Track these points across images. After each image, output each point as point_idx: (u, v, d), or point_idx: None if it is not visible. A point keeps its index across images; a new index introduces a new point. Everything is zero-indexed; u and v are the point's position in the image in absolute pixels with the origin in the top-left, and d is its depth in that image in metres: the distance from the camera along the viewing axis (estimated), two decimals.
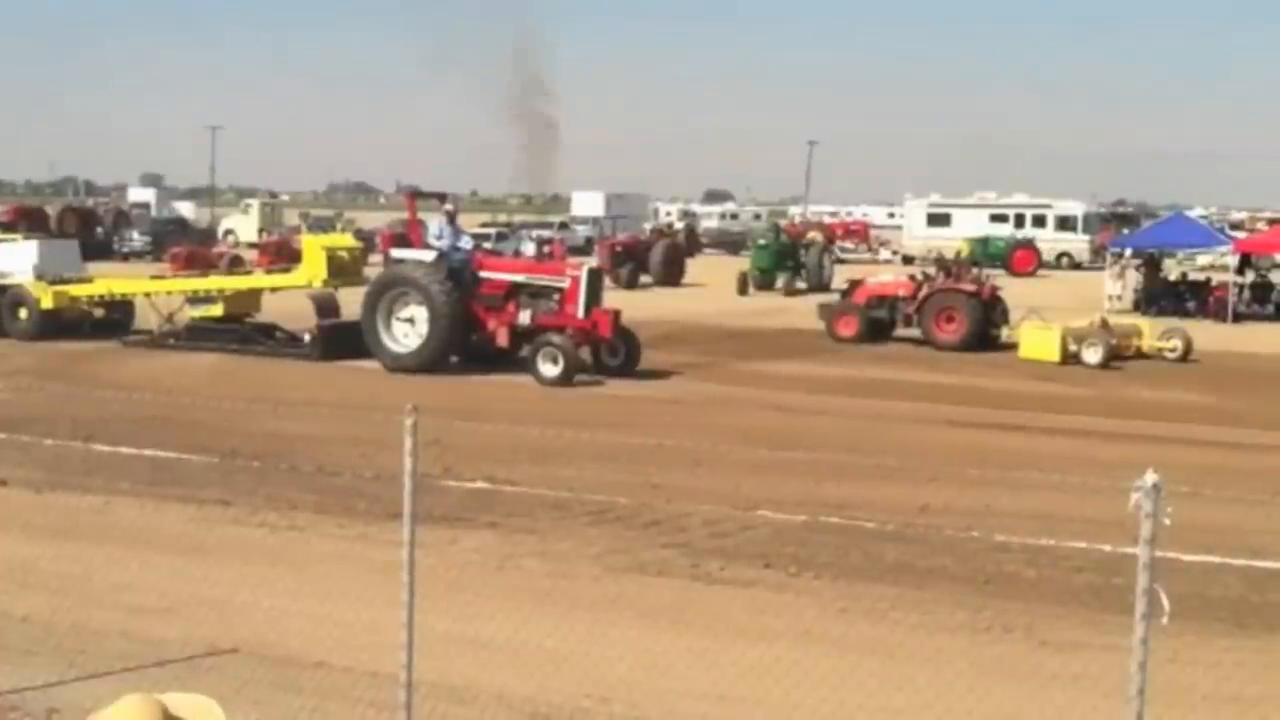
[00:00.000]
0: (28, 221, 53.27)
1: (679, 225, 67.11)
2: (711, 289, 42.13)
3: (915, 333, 27.84)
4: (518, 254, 38.66)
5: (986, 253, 52.18)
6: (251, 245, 57.79)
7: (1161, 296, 36.49)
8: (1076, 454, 15.66)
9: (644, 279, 43.97)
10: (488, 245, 41.22)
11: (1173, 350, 26.04)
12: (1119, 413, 19.46)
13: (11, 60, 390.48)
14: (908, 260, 54.82)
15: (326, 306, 25.10)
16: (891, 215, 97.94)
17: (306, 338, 24.10)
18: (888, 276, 31.44)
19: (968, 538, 11.55)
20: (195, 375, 21.98)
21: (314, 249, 25.41)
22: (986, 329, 27.36)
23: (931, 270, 29.69)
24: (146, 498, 12.67)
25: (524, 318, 22.37)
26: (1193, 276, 40.01)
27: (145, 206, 78.20)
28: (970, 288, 27.90)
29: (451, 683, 7.58)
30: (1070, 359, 24.79)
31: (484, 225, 63.06)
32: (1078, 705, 7.22)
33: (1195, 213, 67.85)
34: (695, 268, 48.67)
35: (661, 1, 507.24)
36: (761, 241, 45.51)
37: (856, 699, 7.42)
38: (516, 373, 21.73)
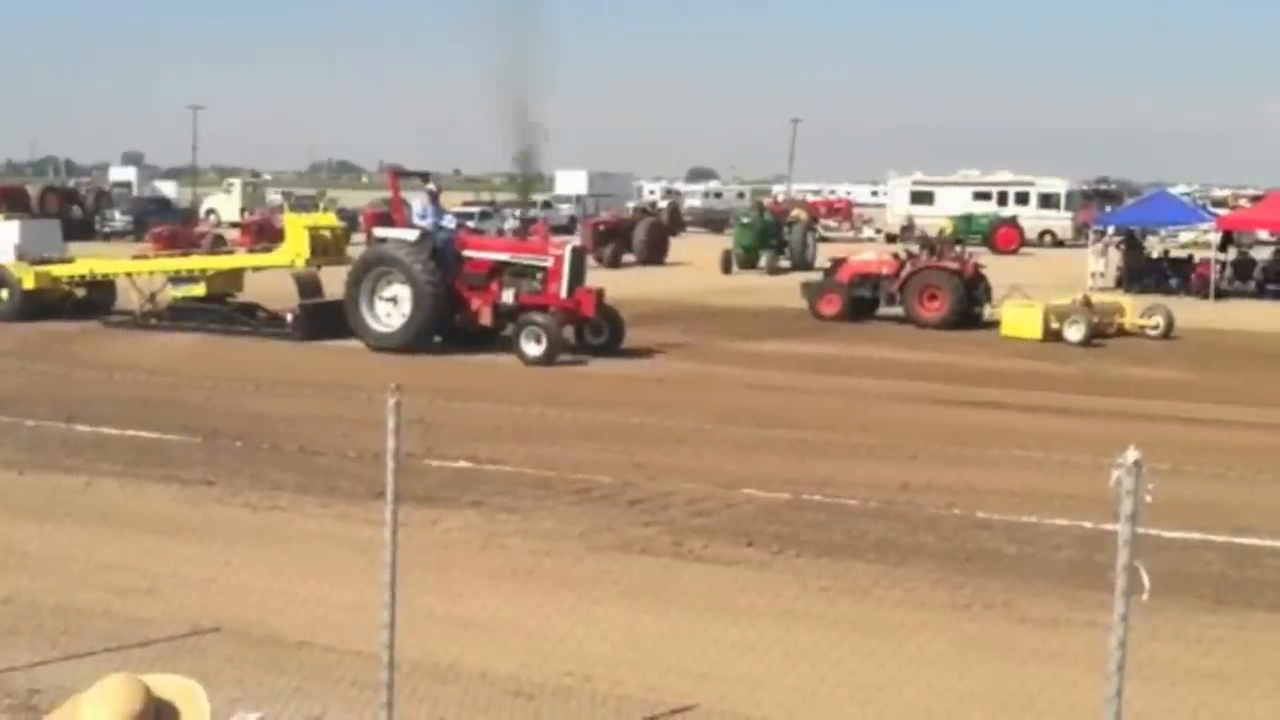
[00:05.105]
0: (8, 201, 52.84)
1: (662, 204, 66.99)
2: (695, 268, 42.09)
3: (898, 311, 27.88)
4: (500, 232, 38.63)
5: (970, 230, 52.32)
6: (234, 225, 57.58)
7: (1144, 274, 36.58)
8: (1058, 431, 15.72)
9: (627, 258, 43.93)
10: (471, 224, 41.19)
11: (1155, 327, 26.15)
12: (1101, 390, 19.53)
13: None
14: (891, 238, 54.88)
15: (309, 286, 25.03)
16: (875, 193, 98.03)
17: (289, 317, 24.03)
18: (871, 255, 31.46)
19: (949, 515, 11.59)
20: (177, 355, 21.91)
21: (296, 228, 25.37)
22: (969, 307, 27.41)
23: (914, 248, 29.74)
24: (129, 478, 12.64)
25: (507, 297, 22.34)
26: (1175, 254, 40.13)
27: (127, 186, 77.89)
28: (953, 266, 27.95)
29: (434, 661, 7.59)
30: (1052, 337, 24.87)
31: (467, 204, 62.91)
32: (1058, 681, 7.25)
33: (1178, 190, 68.08)
34: (679, 246, 48.62)
35: None
36: (745, 220, 45.45)
37: (838, 675, 7.46)
38: (500, 352, 21.72)
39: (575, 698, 7.38)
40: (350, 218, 46.96)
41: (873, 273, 28.80)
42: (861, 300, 28.58)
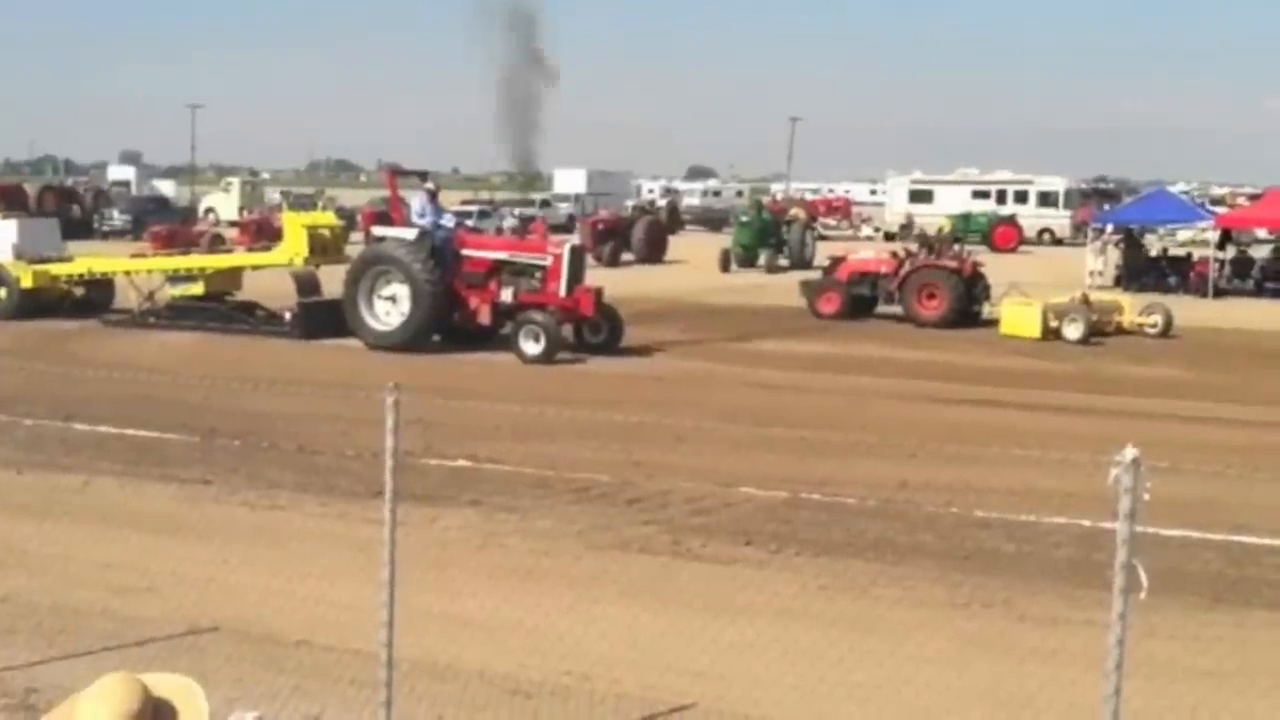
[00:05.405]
0: (6, 200, 52.74)
1: (661, 202, 66.97)
2: (694, 266, 42.09)
3: (897, 309, 27.90)
4: (499, 231, 38.61)
5: (968, 229, 52.35)
6: (232, 223, 57.53)
7: (1143, 272, 36.60)
8: (1056, 429, 15.71)
9: (626, 256, 43.95)
10: (469, 223, 41.18)
11: (1153, 326, 26.16)
12: (1099, 388, 19.53)
13: None
14: (890, 237, 54.89)
15: (308, 285, 25.04)
16: (874, 192, 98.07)
17: (288, 316, 24.02)
18: (870, 253, 31.46)
19: (947, 513, 11.59)
20: (176, 354, 21.90)
21: (295, 227, 25.36)
22: (968, 305, 27.42)
23: (913, 247, 29.76)
24: (127, 477, 12.62)
25: (506, 295, 22.33)
26: (1174, 252, 40.15)
27: (125, 185, 77.89)
28: (952, 264, 27.95)
29: (433, 660, 7.59)
30: (1051, 335, 24.88)
31: (465, 203, 62.88)
32: (1056, 679, 7.25)
33: (1176, 188, 68.11)
34: (677, 245, 48.61)
35: None
36: (744, 218, 45.50)
37: (836, 674, 7.46)
38: (498, 351, 21.71)
39: (574, 696, 7.38)
40: (349, 216, 46.96)
41: (871, 271, 28.81)
42: (860, 299, 28.59)
